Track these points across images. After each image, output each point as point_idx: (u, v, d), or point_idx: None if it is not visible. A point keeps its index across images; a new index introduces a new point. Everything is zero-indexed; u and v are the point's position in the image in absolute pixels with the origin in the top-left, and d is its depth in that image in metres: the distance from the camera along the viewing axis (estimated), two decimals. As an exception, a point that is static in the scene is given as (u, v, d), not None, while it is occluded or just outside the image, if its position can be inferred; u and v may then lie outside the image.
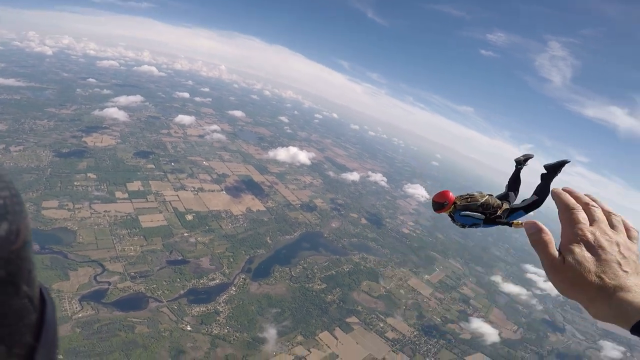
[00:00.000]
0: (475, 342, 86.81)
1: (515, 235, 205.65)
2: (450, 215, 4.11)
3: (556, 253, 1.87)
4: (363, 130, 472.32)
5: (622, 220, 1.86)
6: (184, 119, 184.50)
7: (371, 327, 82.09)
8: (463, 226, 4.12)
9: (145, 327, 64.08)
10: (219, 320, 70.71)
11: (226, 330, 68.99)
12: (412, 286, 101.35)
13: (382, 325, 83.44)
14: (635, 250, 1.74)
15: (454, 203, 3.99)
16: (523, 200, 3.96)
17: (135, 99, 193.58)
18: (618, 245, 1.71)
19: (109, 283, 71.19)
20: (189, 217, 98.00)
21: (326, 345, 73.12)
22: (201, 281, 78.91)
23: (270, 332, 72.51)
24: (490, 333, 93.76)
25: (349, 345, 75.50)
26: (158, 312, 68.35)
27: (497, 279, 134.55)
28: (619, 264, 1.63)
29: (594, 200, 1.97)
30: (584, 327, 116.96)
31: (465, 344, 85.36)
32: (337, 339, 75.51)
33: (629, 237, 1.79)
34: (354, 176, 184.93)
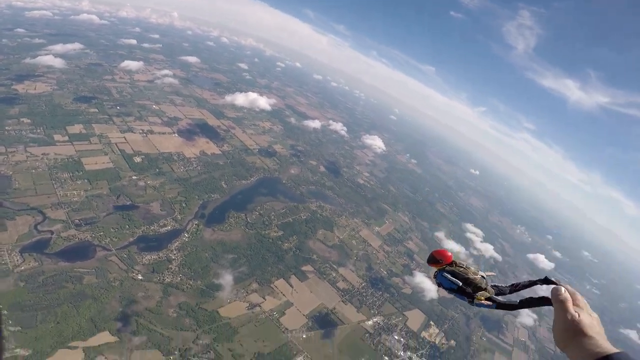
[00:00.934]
0: (415, 298, 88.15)
1: (460, 194, 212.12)
2: (435, 272, 4.28)
3: (575, 313, 2.85)
4: (326, 81, 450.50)
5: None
6: (131, 64, 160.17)
7: (324, 276, 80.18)
8: (439, 285, 4.32)
9: (94, 278, 57.72)
10: (171, 268, 64.81)
11: (179, 278, 63.54)
12: (363, 237, 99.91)
13: (334, 275, 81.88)
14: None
15: (448, 264, 4.25)
16: (507, 299, 4.18)
17: (74, 46, 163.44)
18: (593, 317, 2.93)
19: (52, 232, 62.36)
20: (138, 160, 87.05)
21: (281, 292, 70.45)
22: (152, 228, 71.19)
23: (225, 279, 67.93)
24: (429, 289, 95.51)
25: (303, 293, 73.31)
26: (107, 262, 61.25)
27: (440, 235, 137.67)
28: (598, 325, 2.83)
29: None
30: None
31: (406, 299, 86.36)
32: (292, 287, 73.09)
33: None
34: (316, 124, 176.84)
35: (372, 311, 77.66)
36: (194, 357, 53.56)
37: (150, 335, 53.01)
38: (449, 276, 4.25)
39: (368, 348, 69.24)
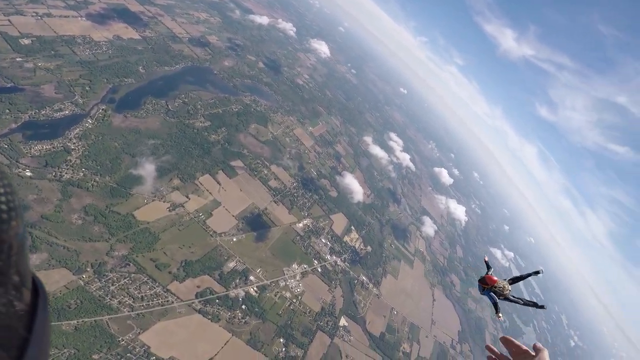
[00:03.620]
0: (340, 201, 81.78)
1: (386, 107, 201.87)
2: (484, 287, 5.47)
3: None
4: None
5: (538, 345, 3.11)
6: None
7: (256, 173, 68.30)
8: (483, 294, 5.53)
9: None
10: (70, 161, 46.92)
11: (81, 174, 46.45)
12: (297, 135, 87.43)
13: (266, 172, 70.35)
14: None
15: (493, 286, 5.34)
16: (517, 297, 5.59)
17: None
18: None
19: None
20: (26, 42, 59.55)
21: (207, 190, 57.13)
22: (43, 112, 50.68)
23: (141, 175, 51.45)
24: (354, 192, 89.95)
25: (232, 191, 60.72)
26: (-24, 153, 41.99)
27: (368, 139, 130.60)
28: None
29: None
30: (412, 203, 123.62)
31: (332, 202, 79.58)
32: (220, 184, 59.77)
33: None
34: (263, 20, 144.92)
35: (302, 213, 69.68)
36: (110, 272, 40.67)
37: (51, 251, 38.47)
38: (494, 295, 5.38)
39: (299, 251, 62.81)
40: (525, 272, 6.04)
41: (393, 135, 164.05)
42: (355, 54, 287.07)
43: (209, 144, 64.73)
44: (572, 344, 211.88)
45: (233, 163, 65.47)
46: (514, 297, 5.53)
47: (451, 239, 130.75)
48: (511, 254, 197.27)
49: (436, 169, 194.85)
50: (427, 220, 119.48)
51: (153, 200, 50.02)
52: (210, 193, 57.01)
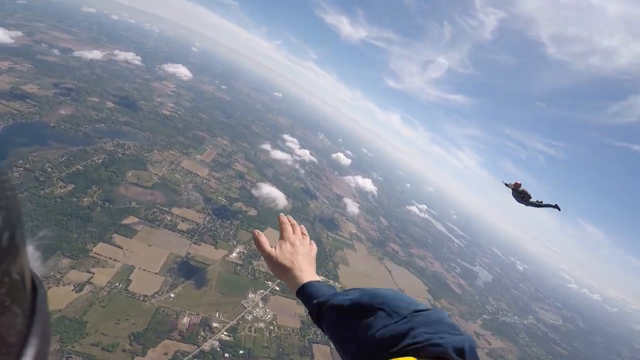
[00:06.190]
0: (263, 217, 77.27)
1: (268, 115, 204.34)
2: (513, 191, 6.29)
3: (270, 248, 2.39)
4: (102, 15, 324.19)
5: (303, 230, 2.59)
6: None
7: (157, 222, 58.35)
8: (514, 196, 6.41)
9: None
10: None
11: None
12: (187, 168, 78.72)
13: (169, 218, 60.88)
14: (310, 248, 2.46)
15: (517, 188, 6.15)
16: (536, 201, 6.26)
17: None
18: (302, 245, 2.42)
19: None
20: None
21: (110, 259, 46.53)
22: None
23: None
24: (278, 198, 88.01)
25: (140, 250, 50.67)
26: None
27: (266, 147, 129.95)
28: (302, 255, 2.33)
29: (297, 224, 2.65)
30: (327, 193, 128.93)
31: (255, 220, 74.99)
32: (121, 248, 49.09)
33: (307, 242, 2.51)
34: (95, 55, 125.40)
35: (230, 243, 63.24)
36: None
37: None
38: (517, 194, 6.14)
39: (247, 279, 57.31)
40: (531, 201, 6.51)
41: (286, 136, 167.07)
42: (219, 71, 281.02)
43: (84, 210, 51.79)
44: (520, 268, 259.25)
45: (125, 221, 54.51)
46: (534, 201, 6.19)
47: (372, 212, 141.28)
48: (424, 207, 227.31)
49: (333, 155, 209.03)
50: (346, 203, 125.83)
51: (50, 287, 38.91)
52: (115, 260, 46.87)
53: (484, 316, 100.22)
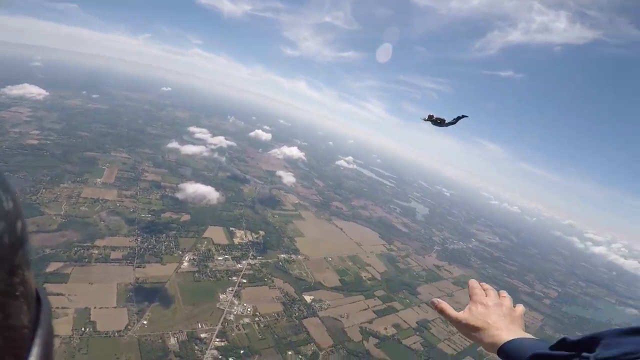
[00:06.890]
0: (199, 219, 71.82)
1: (162, 113, 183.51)
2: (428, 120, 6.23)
3: (458, 313, 2.35)
4: None
5: (503, 294, 2.53)
6: None
7: (86, 259, 50.59)
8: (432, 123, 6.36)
9: None
10: None
11: None
12: (91, 197, 67.60)
13: (96, 251, 53.04)
14: (509, 308, 2.35)
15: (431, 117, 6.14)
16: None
17: None
18: (497, 305, 2.34)
19: None
20: None
21: (57, 308, 41.02)
22: None
23: None
24: (208, 195, 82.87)
25: (84, 290, 44.70)
26: None
27: (174, 144, 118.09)
28: (498, 315, 2.25)
29: (492, 288, 2.60)
30: (256, 172, 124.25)
31: (192, 224, 69.46)
32: (63, 295, 42.90)
33: (507, 303, 2.41)
34: None
35: (175, 254, 58.32)
36: None
37: None
38: (434, 122, 6.10)
39: (210, 282, 54.46)
40: (446, 119, 6.57)
41: (193, 129, 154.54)
42: (84, 80, 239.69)
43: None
44: (448, 194, 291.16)
45: (50, 269, 46.76)
46: (448, 121, 6.51)
47: (306, 177, 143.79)
48: (350, 158, 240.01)
49: (251, 134, 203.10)
50: (280, 176, 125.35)
51: None
52: (64, 308, 41.37)
53: (436, 247, 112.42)
